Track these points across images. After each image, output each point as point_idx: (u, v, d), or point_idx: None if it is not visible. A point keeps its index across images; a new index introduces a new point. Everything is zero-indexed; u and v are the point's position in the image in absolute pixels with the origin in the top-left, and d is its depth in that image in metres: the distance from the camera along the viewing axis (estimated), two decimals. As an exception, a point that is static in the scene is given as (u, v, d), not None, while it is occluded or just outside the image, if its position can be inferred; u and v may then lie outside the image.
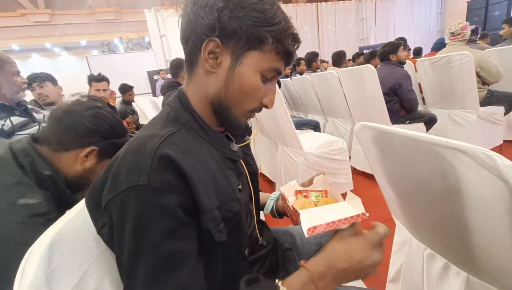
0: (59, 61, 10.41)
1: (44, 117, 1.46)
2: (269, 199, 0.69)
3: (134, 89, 3.59)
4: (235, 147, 0.51)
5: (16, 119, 1.21)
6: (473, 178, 0.45)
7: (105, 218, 0.38)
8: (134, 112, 3.42)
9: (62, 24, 8.29)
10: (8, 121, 1.17)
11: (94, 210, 0.41)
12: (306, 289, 0.39)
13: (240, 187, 0.49)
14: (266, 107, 0.48)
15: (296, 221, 0.51)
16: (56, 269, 0.34)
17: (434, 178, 0.53)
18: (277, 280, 0.40)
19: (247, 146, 0.61)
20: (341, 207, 0.48)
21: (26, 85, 1.28)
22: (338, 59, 3.49)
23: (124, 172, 0.36)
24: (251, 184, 0.57)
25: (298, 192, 0.61)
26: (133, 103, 3.49)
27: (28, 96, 1.67)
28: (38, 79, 1.69)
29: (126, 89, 3.45)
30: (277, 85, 1.73)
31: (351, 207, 0.47)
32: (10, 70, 1.19)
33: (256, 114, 0.50)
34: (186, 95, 0.48)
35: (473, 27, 2.75)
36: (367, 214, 0.45)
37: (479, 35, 2.96)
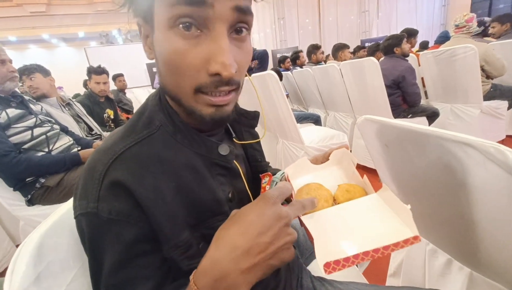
0: (57, 52, 10.28)
1: (41, 109, 1.43)
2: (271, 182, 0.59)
3: (133, 82, 3.61)
4: (226, 150, 0.41)
5: (12, 112, 1.18)
6: (481, 173, 0.44)
7: None
8: (124, 103, 3.42)
9: (59, 14, 8.15)
10: (4, 113, 1.14)
11: None
12: None
13: (230, 195, 0.41)
14: (219, 74, 0.31)
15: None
16: (48, 265, 0.32)
17: (440, 173, 0.52)
18: None
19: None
20: (380, 217, 0.33)
21: (14, 74, 1.22)
22: (334, 51, 3.53)
23: (78, 197, 0.33)
24: (258, 184, 0.50)
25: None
26: (132, 95, 3.46)
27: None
28: (26, 72, 1.65)
29: (114, 76, 3.49)
30: (276, 75, 1.69)
31: (396, 221, 0.32)
32: None
33: (264, 111, 0.41)
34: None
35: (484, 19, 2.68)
36: (420, 238, 0.30)
37: (487, 25, 2.87)
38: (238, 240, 0.28)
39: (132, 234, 0.32)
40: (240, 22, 0.32)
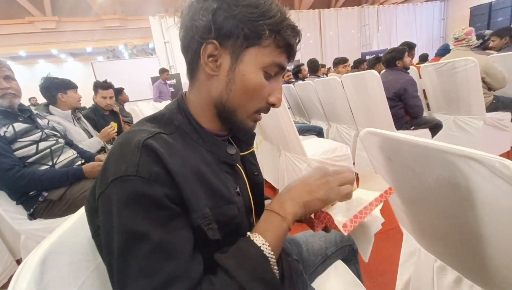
0: (65, 67, 10.58)
1: (48, 123, 1.46)
2: None
3: (137, 94, 3.62)
4: (233, 150, 0.49)
5: (19, 126, 1.19)
6: (487, 188, 0.43)
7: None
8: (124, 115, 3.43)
9: (69, 31, 8.44)
10: (10, 127, 1.16)
11: (92, 210, 0.39)
12: (273, 222, 0.40)
13: (238, 190, 0.48)
14: (274, 106, 0.47)
15: (317, 225, 0.47)
16: (49, 283, 0.32)
17: (445, 187, 0.51)
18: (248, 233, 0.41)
19: (252, 155, 0.59)
20: (364, 192, 0.50)
21: (6, 92, 1.18)
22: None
23: (112, 164, 0.36)
24: (255, 196, 0.54)
25: None
26: (136, 108, 3.50)
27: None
28: (73, 84, 1.81)
29: (118, 94, 3.52)
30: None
31: (375, 189, 0.49)
32: None
33: (261, 121, 0.50)
34: (185, 99, 0.48)
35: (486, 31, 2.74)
36: (394, 189, 0.49)
37: (487, 38, 2.91)
38: (298, 186, 0.45)
39: (169, 196, 0.35)
40: None
